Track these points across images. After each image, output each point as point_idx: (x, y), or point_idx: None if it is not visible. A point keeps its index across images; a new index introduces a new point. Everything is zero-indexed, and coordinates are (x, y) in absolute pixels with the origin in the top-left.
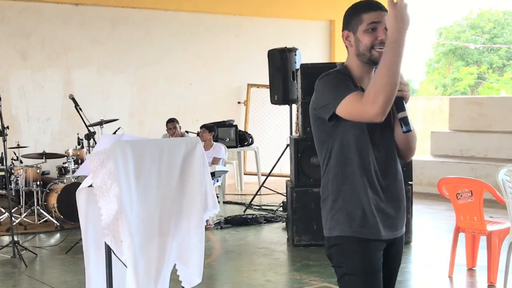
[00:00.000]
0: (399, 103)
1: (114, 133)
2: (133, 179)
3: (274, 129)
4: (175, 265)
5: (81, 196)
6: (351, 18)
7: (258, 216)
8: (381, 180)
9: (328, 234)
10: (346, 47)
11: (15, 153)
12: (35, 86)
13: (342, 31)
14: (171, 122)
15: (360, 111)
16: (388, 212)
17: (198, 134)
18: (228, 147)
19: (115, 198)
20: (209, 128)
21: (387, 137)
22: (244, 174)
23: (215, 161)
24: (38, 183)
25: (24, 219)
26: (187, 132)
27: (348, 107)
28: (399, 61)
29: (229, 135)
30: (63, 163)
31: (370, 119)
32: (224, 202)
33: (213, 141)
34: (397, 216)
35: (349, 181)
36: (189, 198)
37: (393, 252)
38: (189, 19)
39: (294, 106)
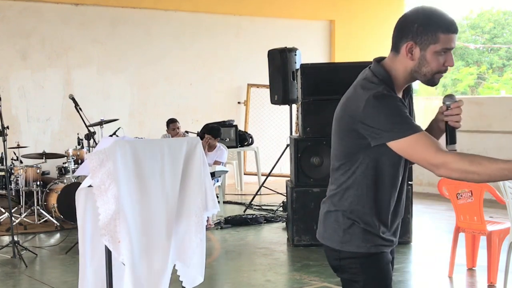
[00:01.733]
0: (452, 134)
1: (114, 133)
2: (132, 179)
3: (274, 129)
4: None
5: (80, 196)
6: (424, 31)
7: (258, 216)
8: (397, 195)
9: (340, 247)
10: (395, 51)
11: (15, 153)
12: (35, 86)
13: (405, 38)
14: (174, 123)
15: (425, 160)
16: (397, 224)
17: (198, 134)
18: (228, 147)
19: (113, 198)
20: (214, 133)
21: None
22: (244, 174)
23: (215, 163)
24: (38, 183)
25: (24, 219)
26: (187, 132)
27: (411, 149)
28: None
29: (229, 135)
30: (63, 163)
31: (430, 170)
32: (224, 202)
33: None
34: (399, 225)
35: (375, 200)
36: (190, 198)
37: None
38: (189, 19)
39: (294, 106)
